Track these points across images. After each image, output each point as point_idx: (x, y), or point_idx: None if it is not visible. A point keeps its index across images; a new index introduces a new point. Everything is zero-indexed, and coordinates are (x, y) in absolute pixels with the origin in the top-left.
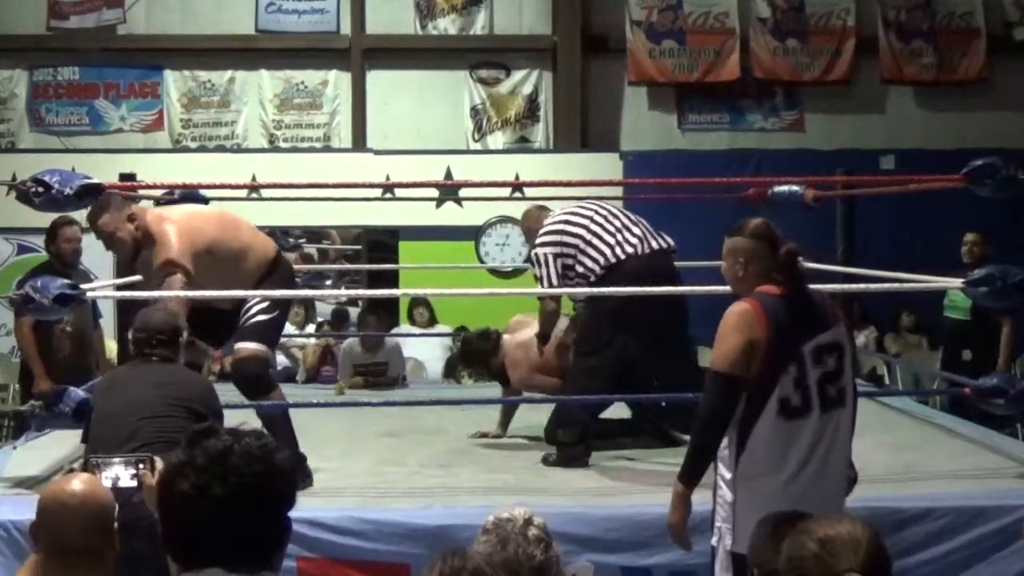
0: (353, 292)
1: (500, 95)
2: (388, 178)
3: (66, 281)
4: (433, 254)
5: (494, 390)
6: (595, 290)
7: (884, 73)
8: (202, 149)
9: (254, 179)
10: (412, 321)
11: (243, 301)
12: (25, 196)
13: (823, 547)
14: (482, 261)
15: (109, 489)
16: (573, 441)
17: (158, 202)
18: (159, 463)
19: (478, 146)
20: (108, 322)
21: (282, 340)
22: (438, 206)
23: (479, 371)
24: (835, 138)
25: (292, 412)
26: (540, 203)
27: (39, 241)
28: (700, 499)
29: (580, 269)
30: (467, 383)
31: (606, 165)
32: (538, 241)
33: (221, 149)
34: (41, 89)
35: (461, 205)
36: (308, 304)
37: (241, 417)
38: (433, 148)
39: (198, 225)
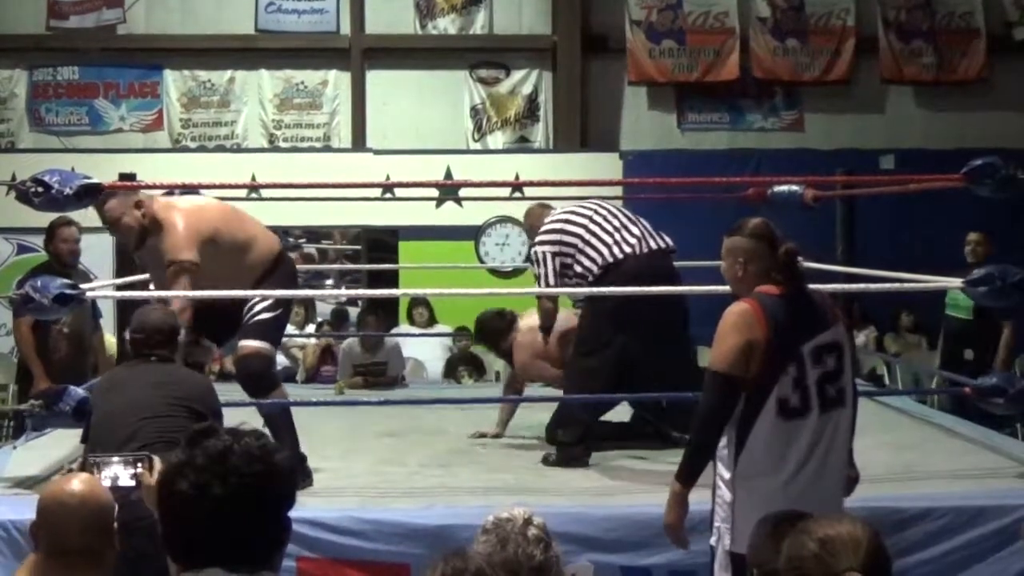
0: (353, 292)
1: (500, 95)
2: (388, 178)
3: (66, 281)
4: (433, 254)
5: (494, 390)
6: (594, 290)
7: (884, 73)
8: (202, 149)
9: (254, 179)
10: (412, 321)
11: (245, 298)
12: (25, 196)
13: (823, 547)
14: (482, 261)
15: (108, 489)
16: (573, 441)
17: None
18: (157, 462)
19: (478, 146)
20: (109, 319)
21: (282, 340)
22: (438, 206)
23: (489, 349)
24: (835, 138)
25: (292, 411)
26: (543, 201)
27: (39, 241)
28: (699, 499)
29: (578, 269)
30: (467, 383)
31: (606, 165)
32: (537, 239)
33: (221, 149)
34: (41, 89)
35: (461, 205)
36: (308, 304)
37: (242, 416)
38: (433, 148)
39: (204, 214)
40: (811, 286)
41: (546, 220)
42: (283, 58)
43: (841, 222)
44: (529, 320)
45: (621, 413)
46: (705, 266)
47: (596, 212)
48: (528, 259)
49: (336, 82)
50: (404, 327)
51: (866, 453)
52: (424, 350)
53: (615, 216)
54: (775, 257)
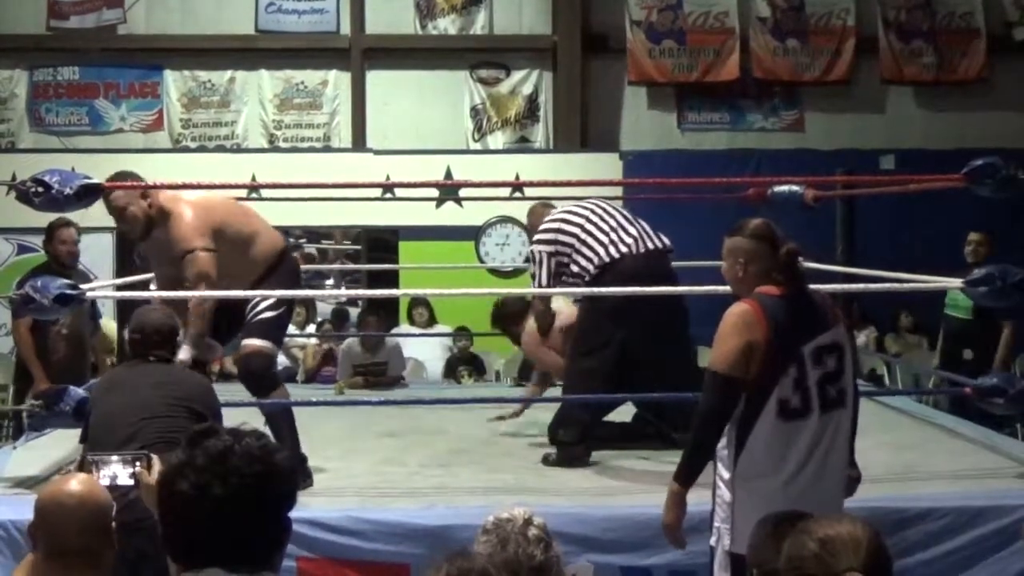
0: (353, 292)
1: (500, 95)
2: (388, 178)
3: (66, 281)
4: (433, 254)
5: (494, 390)
6: (592, 290)
7: (884, 73)
8: (202, 149)
9: (254, 179)
10: (412, 321)
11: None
12: (25, 196)
13: (823, 547)
14: (482, 261)
15: (107, 488)
16: (573, 441)
17: None
18: (156, 461)
19: (478, 146)
20: (108, 311)
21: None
22: (438, 206)
23: (503, 332)
24: (835, 138)
25: (293, 411)
26: (546, 200)
27: (39, 241)
28: (699, 499)
29: (575, 268)
30: (467, 383)
31: (606, 165)
32: (535, 239)
33: (221, 149)
34: (41, 89)
35: (461, 205)
36: (309, 304)
37: (244, 416)
38: (433, 148)
39: (211, 206)
40: (811, 286)
41: (545, 219)
42: (283, 58)
43: (841, 222)
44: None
45: (622, 413)
46: (705, 266)
47: (593, 212)
48: (527, 259)
49: (336, 82)
50: (404, 327)
51: (866, 453)
52: (424, 350)
53: (612, 216)
54: (776, 258)
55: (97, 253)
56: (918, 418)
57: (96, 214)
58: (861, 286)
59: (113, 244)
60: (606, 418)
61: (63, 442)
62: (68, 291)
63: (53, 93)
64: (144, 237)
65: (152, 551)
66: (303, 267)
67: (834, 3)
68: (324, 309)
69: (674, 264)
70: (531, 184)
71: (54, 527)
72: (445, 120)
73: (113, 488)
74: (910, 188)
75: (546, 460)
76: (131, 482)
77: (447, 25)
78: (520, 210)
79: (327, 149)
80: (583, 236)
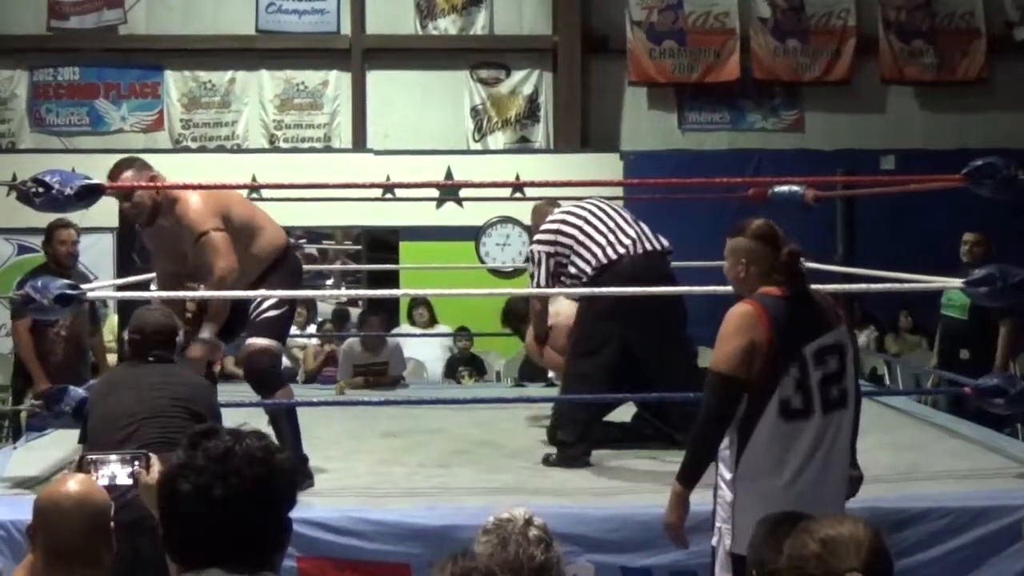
0: (354, 292)
1: (500, 95)
2: (388, 178)
3: (67, 281)
4: (433, 254)
5: (494, 390)
6: (591, 290)
7: (884, 73)
8: (202, 149)
9: (254, 179)
10: (412, 321)
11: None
12: (25, 196)
13: (825, 547)
14: (482, 261)
15: (105, 488)
16: (573, 441)
17: None
18: (155, 461)
19: (478, 146)
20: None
21: None
22: (438, 206)
23: (513, 331)
24: (835, 138)
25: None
26: (552, 199)
27: (39, 242)
28: (700, 499)
29: (573, 270)
30: (467, 383)
31: (606, 165)
32: (535, 238)
33: (221, 149)
34: (41, 89)
35: (461, 205)
36: (310, 304)
37: (245, 415)
38: (433, 148)
39: (216, 193)
40: (813, 287)
41: (547, 219)
42: (284, 58)
43: (841, 222)
44: (552, 307)
45: (622, 414)
46: (705, 267)
47: (593, 213)
48: (527, 258)
49: (337, 82)
50: (405, 327)
51: (867, 453)
52: (424, 350)
53: (611, 217)
54: (777, 259)
55: (97, 253)
56: (919, 418)
57: (97, 215)
58: (861, 286)
59: (113, 244)
60: (606, 419)
61: (63, 442)
62: (68, 291)
63: (53, 93)
64: (149, 223)
65: (151, 551)
66: (304, 267)
67: (834, 3)
68: (325, 309)
69: (674, 264)
70: (531, 184)
71: (53, 528)
72: (445, 120)
73: (111, 488)
74: (910, 188)
75: (546, 460)
76: (130, 482)
77: (447, 25)
78: (520, 210)
79: (327, 149)
80: (581, 237)
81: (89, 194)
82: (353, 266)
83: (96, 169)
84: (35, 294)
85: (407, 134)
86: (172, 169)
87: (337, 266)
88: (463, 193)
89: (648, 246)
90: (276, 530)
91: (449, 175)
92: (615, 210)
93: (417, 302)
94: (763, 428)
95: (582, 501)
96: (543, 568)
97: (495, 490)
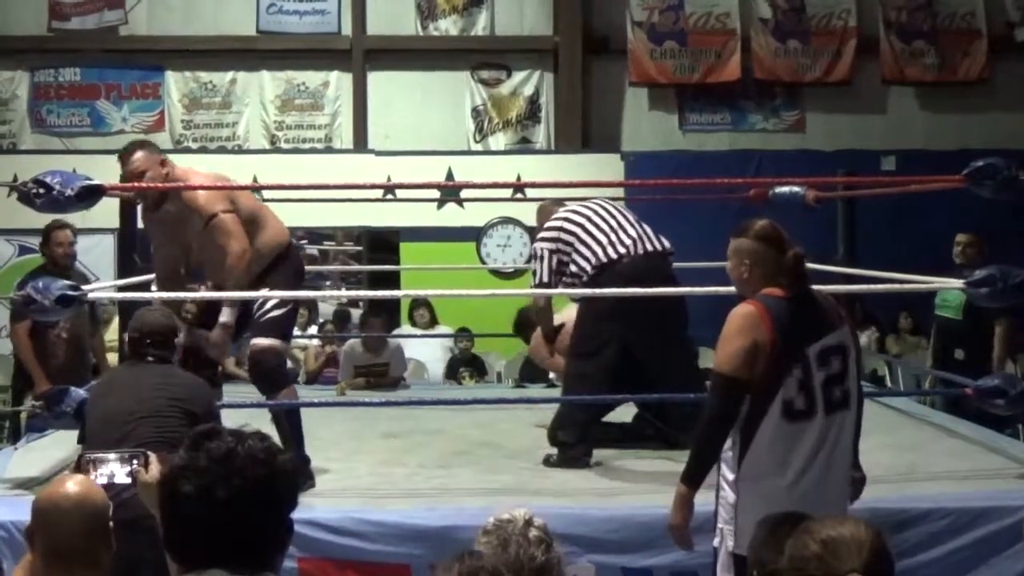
0: (354, 293)
1: (501, 96)
2: (389, 179)
3: (68, 282)
4: (434, 255)
5: (495, 391)
6: (592, 291)
7: (885, 74)
8: (203, 150)
9: (255, 180)
10: (413, 322)
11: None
12: (26, 197)
13: (826, 548)
14: (483, 262)
15: (104, 486)
16: (573, 442)
17: None
18: (154, 459)
19: (479, 147)
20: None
21: None
22: (439, 207)
23: (524, 339)
24: (836, 139)
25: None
26: (556, 198)
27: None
28: (701, 500)
29: (573, 268)
30: (468, 384)
31: (607, 166)
32: (539, 236)
33: (222, 150)
34: (42, 90)
35: (462, 206)
36: (311, 305)
37: (248, 417)
38: (434, 149)
39: (223, 179)
40: (815, 287)
41: (551, 217)
42: (284, 59)
43: (842, 223)
44: (566, 312)
45: (623, 415)
46: (706, 267)
47: (595, 212)
48: (529, 258)
49: (337, 83)
50: (406, 328)
51: (868, 454)
52: (425, 351)
53: (613, 216)
54: (781, 260)
55: (98, 254)
56: (919, 419)
57: (97, 216)
58: (862, 287)
59: (114, 245)
60: (606, 419)
61: (63, 443)
62: (69, 292)
63: (54, 94)
64: (155, 208)
65: (150, 550)
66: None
67: (835, 4)
68: (326, 310)
69: (675, 265)
70: (532, 185)
71: (51, 529)
72: (446, 121)
73: (109, 487)
74: (911, 189)
75: (547, 461)
76: (128, 480)
77: (448, 26)
78: (521, 211)
79: (328, 150)
80: (583, 236)
81: (90, 195)
82: (354, 267)
83: (97, 170)
84: (36, 295)
85: (408, 135)
86: None
87: (338, 267)
88: (464, 194)
89: (649, 247)
90: (277, 531)
91: (450, 176)
92: (618, 210)
93: (418, 303)
94: (766, 429)
95: (583, 502)
96: (544, 569)
97: (496, 491)
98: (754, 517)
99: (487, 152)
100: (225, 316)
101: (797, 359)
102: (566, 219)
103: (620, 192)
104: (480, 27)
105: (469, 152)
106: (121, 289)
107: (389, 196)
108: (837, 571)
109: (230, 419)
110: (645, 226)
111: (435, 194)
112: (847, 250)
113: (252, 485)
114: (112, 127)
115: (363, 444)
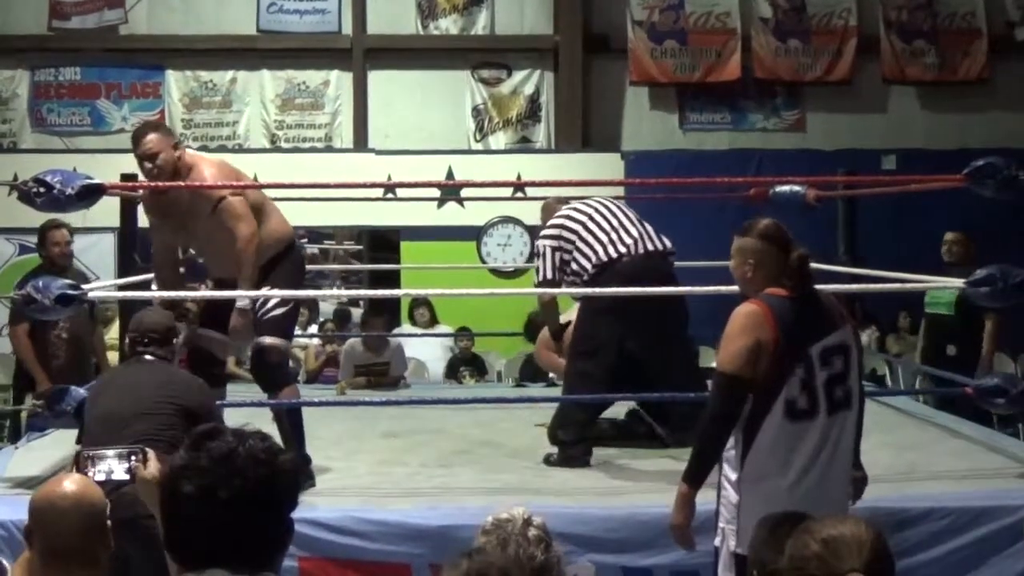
0: (355, 292)
1: (502, 95)
2: (390, 178)
3: (68, 281)
4: (434, 254)
5: (495, 390)
6: (593, 290)
7: (886, 73)
8: (203, 149)
9: (255, 179)
10: (413, 321)
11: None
12: (27, 196)
13: (826, 547)
14: (484, 261)
15: (102, 483)
16: (573, 441)
17: None
18: (152, 455)
19: (479, 146)
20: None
21: None
22: (440, 206)
23: (533, 341)
24: (836, 138)
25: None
26: (560, 196)
27: None
28: (702, 499)
29: (574, 267)
30: (468, 383)
31: (607, 165)
32: (542, 233)
33: (223, 149)
34: (43, 89)
35: (463, 205)
36: (312, 304)
37: (249, 416)
38: (435, 148)
39: (230, 167)
40: (817, 287)
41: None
42: (285, 58)
43: (843, 222)
44: (563, 315)
45: (616, 411)
46: (707, 266)
47: (597, 211)
48: (530, 257)
49: (338, 82)
50: (406, 327)
51: (868, 453)
52: (425, 350)
53: (615, 215)
54: (785, 260)
55: (99, 254)
56: (919, 418)
57: (97, 215)
58: (862, 286)
59: (114, 244)
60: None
61: (64, 443)
62: (69, 291)
63: (55, 93)
64: (164, 191)
65: (148, 548)
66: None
67: (835, 3)
68: (326, 309)
69: (676, 264)
70: (533, 184)
71: (49, 528)
72: (447, 120)
73: (107, 483)
74: (911, 188)
75: (547, 460)
76: (127, 476)
77: (448, 25)
78: (522, 210)
79: (329, 149)
80: (584, 233)
81: (90, 194)
82: (355, 266)
83: (97, 169)
84: (36, 294)
85: (408, 134)
86: None
87: (338, 266)
88: (464, 193)
89: (650, 246)
90: (278, 531)
91: (450, 175)
92: (620, 209)
93: (418, 302)
94: (768, 428)
95: (583, 501)
96: (543, 568)
97: (496, 490)
98: (756, 517)
99: (487, 151)
100: (241, 303)
101: (800, 359)
102: (568, 217)
103: (620, 191)
104: (480, 26)
105: (469, 151)
106: (121, 288)
107: (389, 195)
108: (837, 571)
109: (231, 419)
110: (647, 225)
111: (435, 193)
112: (847, 249)
113: (253, 485)
114: (112, 126)
115: (363, 443)
